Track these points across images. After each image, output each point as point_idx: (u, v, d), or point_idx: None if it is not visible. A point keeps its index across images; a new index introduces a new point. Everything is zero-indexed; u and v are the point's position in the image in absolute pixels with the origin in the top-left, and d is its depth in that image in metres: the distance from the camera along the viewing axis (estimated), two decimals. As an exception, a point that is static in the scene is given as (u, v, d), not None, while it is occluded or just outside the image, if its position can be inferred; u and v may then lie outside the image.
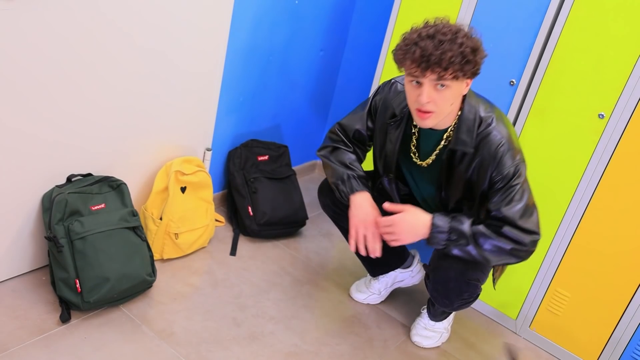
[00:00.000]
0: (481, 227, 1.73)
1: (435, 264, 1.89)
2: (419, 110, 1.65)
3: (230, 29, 2.29)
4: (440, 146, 1.79)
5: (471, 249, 1.74)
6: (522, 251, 1.73)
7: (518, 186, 1.71)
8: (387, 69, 2.47)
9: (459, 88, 1.63)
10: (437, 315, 2.11)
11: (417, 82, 1.62)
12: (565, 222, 2.08)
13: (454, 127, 1.74)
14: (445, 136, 1.77)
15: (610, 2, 1.87)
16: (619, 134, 1.92)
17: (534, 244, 1.74)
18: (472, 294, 1.88)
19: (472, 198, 1.80)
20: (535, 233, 1.73)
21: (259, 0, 2.38)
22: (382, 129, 1.92)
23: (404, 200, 2.02)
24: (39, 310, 1.87)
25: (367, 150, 2.06)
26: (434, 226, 1.75)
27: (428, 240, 1.78)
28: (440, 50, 1.53)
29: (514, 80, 2.12)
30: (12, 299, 1.89)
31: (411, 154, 1.88)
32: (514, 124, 2.14)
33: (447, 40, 1.55)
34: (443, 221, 1.75)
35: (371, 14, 2.86)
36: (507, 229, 1.71)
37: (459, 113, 1.73)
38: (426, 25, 1.62)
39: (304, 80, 2.89)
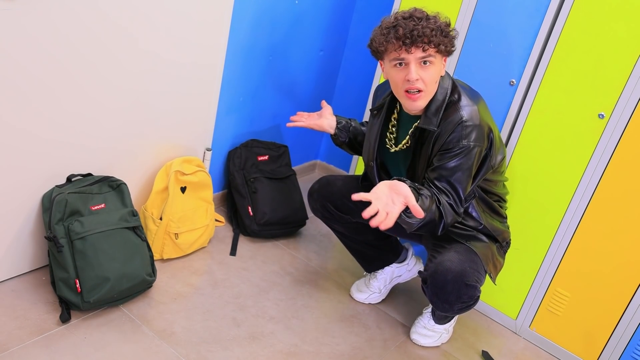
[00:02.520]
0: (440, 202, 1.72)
1: (432, 269, 1.88)
2: (408, 92, 1.73)
3: (230, 29, 2.29)
4: (412, 129, 1.85)
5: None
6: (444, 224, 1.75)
7: (462, 163, 1.73)
8: (387, 69, 2.47)
9: (440, 65, 1.74)
10: (440, 318, 2.11)
11: (401, 64, 1.71)
12: (565, 222, 2.08)
13: (425, 110, 1.81)
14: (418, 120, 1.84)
15: (610, 2, 1.87)
16: (619, 134, 1.92)
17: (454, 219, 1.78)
18: (471, 296, 1.87)
19: None
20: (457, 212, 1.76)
21: (258, 1, 2.38)
22: (369, 121, 2.03)
23: None
24: (39, 310, 1.87)
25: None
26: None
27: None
28: (421, 26, 1.66)
29: (514, 80, 2.12)
30: (12, 299, 1.89)
31: (386, 140, 1.94)
32: (514, 123, 2.14)
33: (424, 18, 1.69)
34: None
35: (371, 14, 2.86)
36: (444, 199, 1.72)
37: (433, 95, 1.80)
38: (397, 12, 1.75)
39: (304, 80, 2.89)
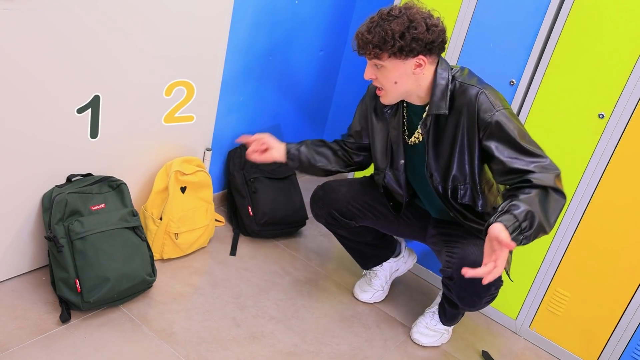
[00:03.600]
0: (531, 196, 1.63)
1: (457, 264, 1.83)
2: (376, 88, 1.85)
3: (230, 29, 2.29)
4: (421, 122, 1.85)
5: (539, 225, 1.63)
6: (560, 191, 1.66)
7: (510, 125, 1.70)
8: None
9: (397, 67, 1.73)
10: (451, 318, 2.10)
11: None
12: (565, 222, 2.08)
13: (431, 97, 1.81)
14: (426, 109, 1.84)
15: (610, 2, 1.87)
16: (619, 134, 1.92)
17: (558, 175, 1.68)
18: (497, 287, 1.87)
19: (469, 164, 1.80)
20: (553, 167, 1.68)
21: (258, 1, 2.38)
22: (380, 122, 1.98)
23: (410, 195, 2.04)
24: (39, 310, 1.87)
25: (354, 147, 2.09)
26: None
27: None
28: (370, 35, 1.70)
29: (514, 80, 2.12)
30: (12, 299, 1.89)
31: (404, 136, 1.93)
32: (514, 124, 2.14)
33: (374, 25, 1.71)
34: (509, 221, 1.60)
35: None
36: (534, 177, 1.65)
37: (433, 82, 1.79)
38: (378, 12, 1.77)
39: (304, 80, 2.89)
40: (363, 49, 1.73)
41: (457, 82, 1.78)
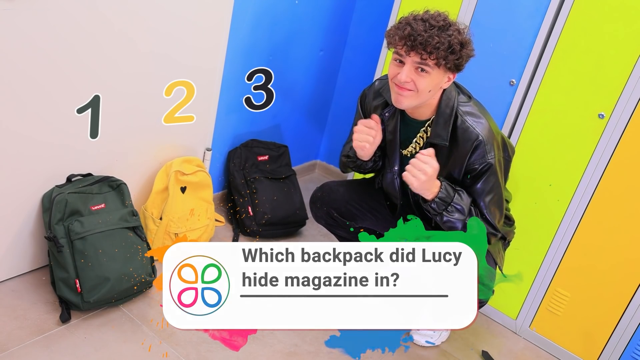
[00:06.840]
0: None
1: None
2: (398, 86, 1.70)
3: (230, 29, 2.29)
4: (419, 136, 1.83)
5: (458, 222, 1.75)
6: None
7: (492, 181, 1.75)
8: (387, 69, 2.46)
9: (439, 77, 1.67)
10: None
11: (401, 62, 1.68)
12: (565, 222, 2.08)
13: (432, 120, 1.79)
14: (425, 127, 1.81)
15: (610, 2, 1.87)
16: (619, 134, 1.92)
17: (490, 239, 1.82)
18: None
19: None
20: (495, 230, 1.80)
21: (258, 1, 2.38)
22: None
23: (406, 196, 2.02)
24: (39, 310, 1.87)
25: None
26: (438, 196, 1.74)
27: (424, 201, 1.77)
28: (429, 34, 1.60)
29: (514, 80, 2.12)
30: (12, 299, 1.89)
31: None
32: (514, 123, 2.14)
33: (438, 27, 1.61)
34: (446, 193, 1.74)
35: (371, 14, 2.86)
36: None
37: (438, 106, 1.76)
38: (425, 11, 1.68)
39: (304, 80, 2.89)
40: (425, 49, 1.60)
41: (460, 117, 1.74)
